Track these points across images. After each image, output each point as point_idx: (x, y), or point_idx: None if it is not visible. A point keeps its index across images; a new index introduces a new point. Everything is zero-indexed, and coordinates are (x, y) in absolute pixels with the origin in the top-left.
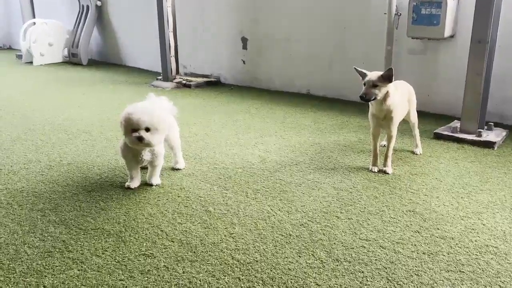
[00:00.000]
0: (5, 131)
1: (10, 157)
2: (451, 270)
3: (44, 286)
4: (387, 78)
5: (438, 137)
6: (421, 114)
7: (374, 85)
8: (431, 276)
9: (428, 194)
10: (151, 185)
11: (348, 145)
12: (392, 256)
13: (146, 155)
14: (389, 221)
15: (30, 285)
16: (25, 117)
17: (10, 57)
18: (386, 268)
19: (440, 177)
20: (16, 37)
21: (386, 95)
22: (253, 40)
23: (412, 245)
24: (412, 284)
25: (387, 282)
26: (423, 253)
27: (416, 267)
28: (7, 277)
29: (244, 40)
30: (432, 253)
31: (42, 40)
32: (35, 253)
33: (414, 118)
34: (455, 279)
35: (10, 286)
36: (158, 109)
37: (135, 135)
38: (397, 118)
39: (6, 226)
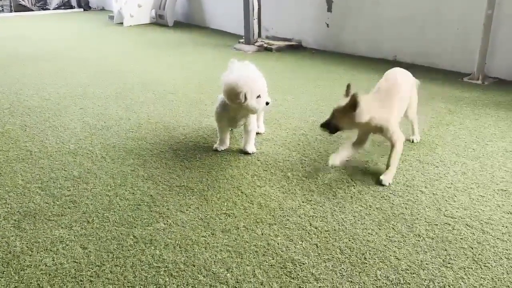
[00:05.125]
0: (99, 89)
1: (104, 113)
2: None
3: (134, 236)
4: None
5: None
6: None
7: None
8: None
9: None
10: (247, 153)
11: (436, 117)
12: (479, 236)
13: (240, 120)
14: (478, 199)
15: (121, 233)
16: (116, 76)
17: (103, 18)
18: (472, 248)
19: None
20: None
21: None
22: (338, 2)
23: (503, 226)
24: (502, 268)
25: (473, 263)
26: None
27: (507, 250)
28: (102, 225)
29: (329, 2)
30: None
31: (132, 2)
32: (126, 205)
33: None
34: None
35: (105, 233)
36: (258, 74)
37: (263, 100)
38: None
39: (101, 178)
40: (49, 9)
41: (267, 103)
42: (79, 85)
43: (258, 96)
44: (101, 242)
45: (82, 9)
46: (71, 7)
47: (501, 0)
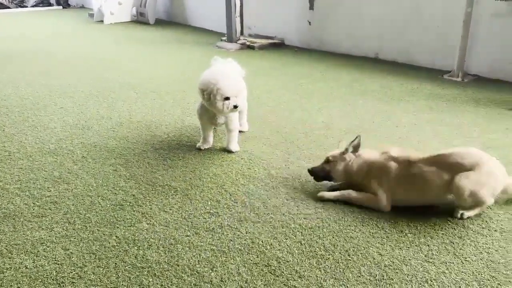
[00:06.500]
0: (79, 88)
1: (84, 112)
2: None
3: (116, 236)
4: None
5: None
6: (499, 83)
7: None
8: (503, 255)
9: (506, 169)
10: (230, 151)
11: (417, 114)
12: (460, 231)
13: (220, 118)
14: None
15: (104, 234)
16: (97, 75)
17: (83, 16)
18: (453, 243)
19: None
20: None
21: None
22: (320, 0)
23: (482, 221)
24: (482, 262)
25: (454, 257)
26: (495, 230)
27: (487, 244)
28: (83, 225)
29: (311, 0)
30: (505, 231)
31: None
32: (108, 205)
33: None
34: None
35: (87, 234)
36: (237, 73)
37: (231, 103)
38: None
39: (82, 178)
40: (26, 7)
41: (235, 107)
42: (59, 84)
43: (227, 98)
44: (83, 243)
45: (61, 7)
46: (50, 4)
47: None
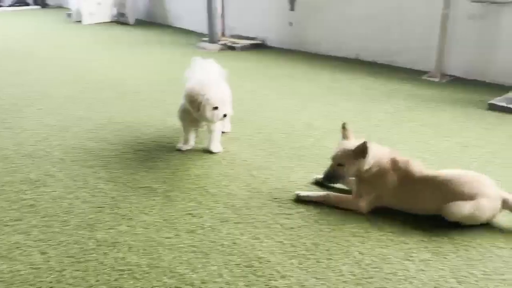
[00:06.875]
0: (58, 88)
1: (63, 114)
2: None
3: (96, 239)
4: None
5: (493, 108)
6: (476, 83)
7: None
8: (480, 251)
9: (481, 168)
10: (212, 152)
11: (396, 114)
12: (438, 229)
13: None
14: None
15: (83, 237)
16: (76, 75)
17: (60, 16)
18: (432, 241)
19: (494, 150)
20: None
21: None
22: (301, 2)
23: None
24: (460, 258)
25: (433, 255)
26: (473, 227)
27: (464, 241)
28: (62, 228)
29: (292, 1)
30: (482, 228)
31: None
32: (87, 207)
33: None
34: (489, 257)
35: (65, 237)
36: (218, 74)
37: (220, 112)
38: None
39: (61, 181)
40: (2, 6)
41: (224, 115)
42: (37, 85)
43: (216, 108)
44: (62, 246)
45: (39, 6)
46: (27, 4)
47: (457, 0)
